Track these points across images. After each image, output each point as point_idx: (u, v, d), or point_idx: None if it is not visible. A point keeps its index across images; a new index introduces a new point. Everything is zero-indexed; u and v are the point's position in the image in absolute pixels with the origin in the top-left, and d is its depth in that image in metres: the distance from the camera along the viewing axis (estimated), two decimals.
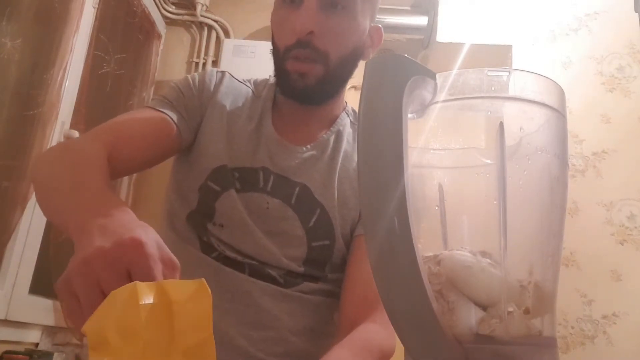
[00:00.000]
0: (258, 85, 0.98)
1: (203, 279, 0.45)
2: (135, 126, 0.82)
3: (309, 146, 0.90)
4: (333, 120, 0.94)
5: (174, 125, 0.85)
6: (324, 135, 0.92)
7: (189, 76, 0.94)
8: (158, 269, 0.46)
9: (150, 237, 0.48)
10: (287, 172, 0.88)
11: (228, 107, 0.92)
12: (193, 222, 0.87)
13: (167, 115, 0.85)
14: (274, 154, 0.88)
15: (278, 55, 0.85)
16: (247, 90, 0.96)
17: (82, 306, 0.45)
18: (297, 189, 0.87)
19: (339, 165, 0.90)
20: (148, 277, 0.45)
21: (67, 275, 0.47)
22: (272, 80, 0.96)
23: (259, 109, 0.92)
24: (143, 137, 0.82)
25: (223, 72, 0.96)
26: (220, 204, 0.86)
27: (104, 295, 0.44)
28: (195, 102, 0.90)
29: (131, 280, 0.45)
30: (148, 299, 0.42)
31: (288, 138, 0.90)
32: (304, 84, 0.83)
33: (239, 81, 0.97)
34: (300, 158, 0.89)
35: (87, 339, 0.41)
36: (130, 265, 0.45)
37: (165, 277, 0.48)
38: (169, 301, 0.43)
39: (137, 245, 0.46)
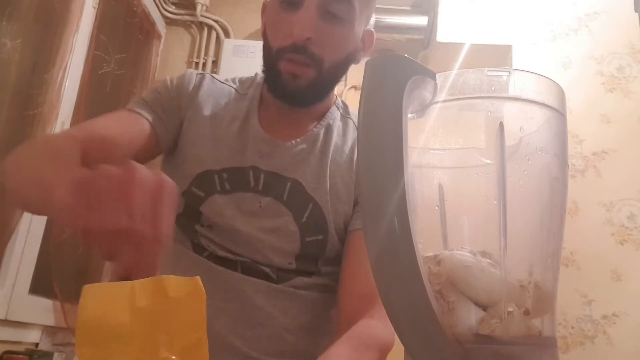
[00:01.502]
0: (243, 83, 0.97)
1: (197, 277, 0.45)
2: (108, 126, 0.82)
3: (298, 140, 0.90)
4: (322, 115, 0.94)
5: (149, 125, 0.85)
6: (314, 129, 0.91)
7: (167, 78, 0.94)
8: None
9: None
10: (277, 168, 0.87)
11: (210, 110, 0.91)
12: (181, 225, 0.87)
13: (142, 115, 0.85)
14: (263, 152, 0.88)
15: (270, 54, 0.85)
16: (230, 91, 0.95)
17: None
18: (289, 185, 0.87)
19: (330, 158, 0.89)
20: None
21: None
22: (259, 78, 0.95)
23: (245, 108, 0.92)
24: (115, 136, 0.81)
25: (203, 74, 0.95)
26: (205, 209, 0.86)
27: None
28: (173, 103, 0.90)
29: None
30: (145, 299, 0.41)
31: (276, 135, 0.89)
32: (295, 86, 0.83)
33: (221, 82, 0.96)
34: (291, 153, 0.88)
35: (77, 335, 0.41)
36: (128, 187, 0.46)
37: (157, 194, 0.48)
38: (166, 298, 0.42)
39: (135, 169, 0.48)
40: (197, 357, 0.43)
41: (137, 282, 0.42)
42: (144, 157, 0.86)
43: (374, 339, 0.74)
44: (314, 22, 0.80)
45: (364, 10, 0.85)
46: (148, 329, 0.41)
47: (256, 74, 0.97)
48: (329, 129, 0.92)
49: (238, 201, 0.86)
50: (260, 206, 0.86)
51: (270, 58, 0.85)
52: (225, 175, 0.86)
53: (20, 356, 1.56)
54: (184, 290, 0.44)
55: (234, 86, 0.96)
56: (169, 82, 0.92)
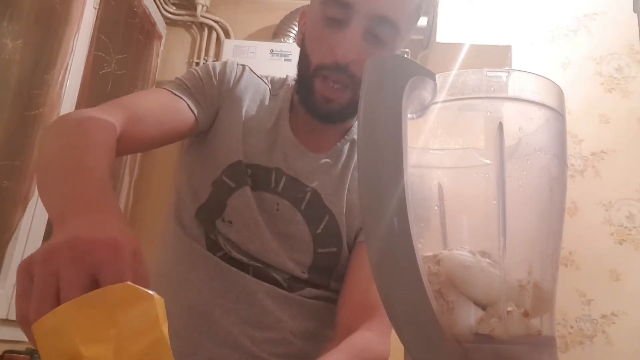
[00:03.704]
0: (275, 83, 0.97)
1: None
2: (150, 107, 0.80)
3: (323, 154, 0.90)
4: (348, 127, 0.94)
5: (191, 112, 0.85)
6: (339, 144, 0.92)
7: (209, 64, 0.92)
8: (129, 276, 0.43)
9: (129, 243, 0.45)
10: (299, 175, 0.87)
11: (246, 103, 0.91)
12: (202, 218, 0.87)
13: (184, 100, 0.84)
14: (289, 155, 0.88)
15: (308, 68, 0.83)
16: (265, 88, 0.95)
17: (33, 294, 0.42)
18: (309, 195, 0.87)
19: (350, 173, 0.90)
20: (116, 281, 0.42)
21: (31, 258, 0.44)
22: (290, 81, 0.95)
23: (277, 108, 0.92)
24: (157, 119, 0.80)
25: (244, 66, 0.95)
26: (233, 200, 0.85)
27: (57, 291, 0.41)
28: (214, 91, 0.89)
29: (93, 282, 0.42)
30: (85, 316, 0.40)
31: (304, 142, 0.90)
32: (327, 109, 0.82)
33: (258, 76, 0.96)
34: (314, 164, 0.89)
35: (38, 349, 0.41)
36: (100, 266, 0.42)
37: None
38: (108, 310, 0.41)
39: (114, 247, 0.43)
40: (157, 357, 0.42)
41: (74, 302, 0.40)
42: (176, 139, 0.86)
43: (370, 351, 0.73)
44: (359, 44, 0.78)
45: (406, 34, 0.84)
46: (96, 346, 0.40)
47: (287, 75, 0.97)
48: (353, 144, 0.92)
49: (259, 199, 0.86)
50: (277, 209, 0.86)
51: (307, 72, 0.83)
52: (249, 171, 0.86)
53: (21, 355, 1.57)
54: (130, 295, 0.42)
55: (268, 85, 0.96)
56: (211, 69, 0.91)
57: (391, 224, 0.39)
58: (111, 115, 0.72)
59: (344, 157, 0.91)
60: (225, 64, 0.93)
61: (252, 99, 0.92)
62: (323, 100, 0.82)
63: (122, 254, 0.44)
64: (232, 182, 0.85)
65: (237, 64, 0.95)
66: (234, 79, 0.92)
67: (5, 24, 1.60)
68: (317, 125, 0.89)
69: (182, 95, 0.85)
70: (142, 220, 2.42)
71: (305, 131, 0.90)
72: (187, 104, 0.84)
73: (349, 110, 0.86)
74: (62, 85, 1.77)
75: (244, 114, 0.89)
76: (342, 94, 0.81)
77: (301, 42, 0.87)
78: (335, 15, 0.79)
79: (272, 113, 0.91)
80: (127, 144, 0.74)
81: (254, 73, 0.96)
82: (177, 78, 0.89)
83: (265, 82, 0.96)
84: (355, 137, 0.93)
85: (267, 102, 0.93)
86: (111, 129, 0.69)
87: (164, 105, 0.82)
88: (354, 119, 0.93)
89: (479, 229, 0.47)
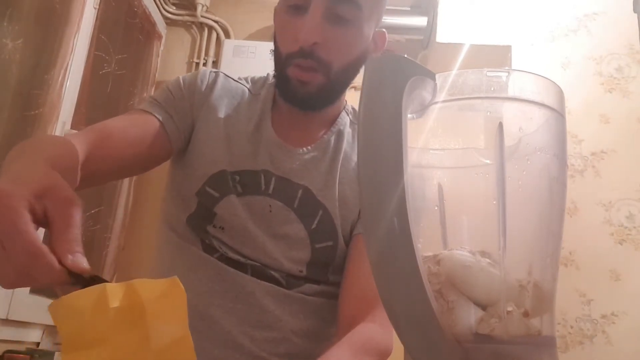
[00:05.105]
0: (255, 83, 0.96)
1: (176, 277, 0.45)
2: (118, 125, 0.81)
3: (309, 147, 0.90)
4: (333, 120, 0.93)
5: (161, 125, 0.84)
6: (325, 136, 0.91)
7: (180, 77, 0.92)
8: (23, 220, 0.44)
9: (20, 186, 0.46)
10: (288, 174, 0.87)
11: (224, 109, 0.90)
12: (193, 225, 0.87)
13: (153, 114, 0.84)
14: (275, 156, 0.88)
15: (280, 60, 0.84)
16: (244, 90, 0.94)
17: None
18: (300, 192, 0.87)
19: (339, 165, 0.89)
20: (9, 231, 0.43)
21: None
22: (271, 79, 0.95)
23: (258, 109, 0.91)
24: (125, 135, 0.80)
25: (217, 73, 0.94)
26: (220, 209, 0.85)
27: None
28: (186, 103, 0.89)
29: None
30: (117, 301, 0.41)
31: (288, 140, 0.89)
32: (304, 92, 0.82)
33: (235, 80, 0.95)
34: (302, 160, 0.88)
35: (61, 342, 0.42)
36: None
37: (53, 218, 0.46)
38: (141, 301, 0.42)
39: None
40: (180, 355, 0.43)
41: (108, 287, 0.42)
42: (156, 156, 0.85)
43: (373, 343, 0.74)
44: (319, 26, 0.79)
45: (373, 11, 0.84)
46: (124, 333, 0.41)
47: (267, 74, 0.96)
48: (339, 136, 0.92)
49: (250, 204, 0.86)
50: (270, 210, 0.86)
51: (279, 64, 0.84)
52: (237, 178, 0.86)
53: (22, 355, 1.57)
54: (157, 291, 0.43)
55: (247, 86, 0.95)
56: (181, 81, 0.91)
57: (391, 224, 0.39)
58: (80, 137, 0.72)
59: (330, 149, 0.91)
60: (196, 73, 0.93)
61: (230, 104, 0.91)
62: (299, 84, 0.82)
63: (5, 202, 0.44)
64: (215, 192, 0.85)
65: (211, 72, 0.94)
66: (207, 86, 0.91)
67: (5, 24, 1.60)
68: (300, 117, 0.90)
69: (151, 110, 0.85)
70: (142, 221, 2.42)
71: (289, 126, 0.90)
72: (157, 118, 0.84)
73: (327, 95, 0.86)
74: (62, 85, 1.77)
75: (223, 122, 0.89)
76: (315, 76, 0.82)
77: (273, 37, 0.88)
78: (296, 2, 0.81)
79: (253, 115, 0.91)
80: (98, 165, 0.74)
81: (230, 78, 0.95)
82: (149, 96, 0.90)
83: (243, 85, 0.95)
84: (342, 128, 0.93)
85: (247, 105, 0.92)
86: (74, 142, 0.68)
87: (131, 122, 0.83)
88: (335, 107, 0.93)
89: (479, 229, 0.47)
